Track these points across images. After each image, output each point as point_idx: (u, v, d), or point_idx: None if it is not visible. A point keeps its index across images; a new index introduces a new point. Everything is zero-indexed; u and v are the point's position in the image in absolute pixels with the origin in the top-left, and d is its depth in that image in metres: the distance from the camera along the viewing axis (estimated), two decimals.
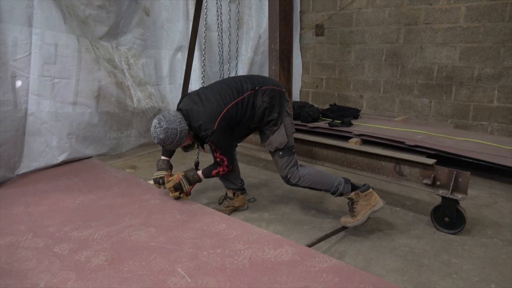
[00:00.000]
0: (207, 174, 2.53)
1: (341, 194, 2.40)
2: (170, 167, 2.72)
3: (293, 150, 2.49)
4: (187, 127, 2.34)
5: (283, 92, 2.51)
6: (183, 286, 1.67)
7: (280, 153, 2.44)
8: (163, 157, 2.72)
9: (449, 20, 4.48)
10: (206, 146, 2.55)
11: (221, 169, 2.47)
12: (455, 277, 2.00)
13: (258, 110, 2.39)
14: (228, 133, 2.38)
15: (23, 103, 3.17)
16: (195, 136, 2.48)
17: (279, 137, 2.43)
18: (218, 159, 2.43)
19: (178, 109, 2.45)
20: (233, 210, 2.76)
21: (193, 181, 2.55)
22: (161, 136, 2.28)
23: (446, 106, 4.71)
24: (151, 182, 3.01)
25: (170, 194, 2.59)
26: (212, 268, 1.81)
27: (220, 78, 3.15)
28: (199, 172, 2.55)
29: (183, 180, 2.52)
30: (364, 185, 2.41)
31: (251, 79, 2.47)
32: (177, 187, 2.53)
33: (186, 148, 3.21)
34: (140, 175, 3.48)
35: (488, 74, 4.33)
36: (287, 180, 2.48)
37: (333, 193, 2.43)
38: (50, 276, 1.75)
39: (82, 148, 3.56)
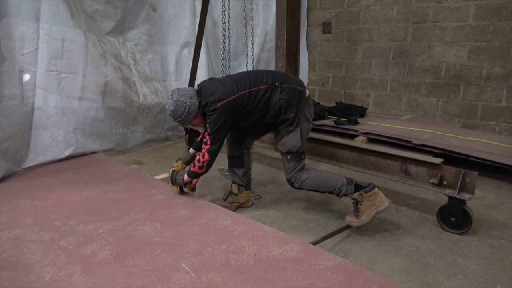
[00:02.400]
0: (189, 172, 2.46)
1: (344, 195, 2.38)
2: (190, 161, 2.65)
3: (303, 156, 2.46)
4: (197, 103, 2.32)
5: (304, 92, 2.44)
6: (188, 282, 1.67)
7: (289, 157, 2.42)
8: (190, 150, 2.70)
9: (458, 18, 4.43)
10: None
11: (201, 154, 2.38)
12: (460, 278, 1.98)
13: (274, 106, 2.35)
14: (228, 119, 2.32)
15: (30, 97, 3.18)
16: (203, 115, 2.41)
17: (294, 140, 2.39)
18: (204, 139, 2.38)
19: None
20: (238, 207, 2.75)
21: (176, 181, 2.54)
22: (171, 108, 2.31)
23: (453, 106, 4.67)
24: (157, 177, 3.02)
25: (175, 189, 2.60)
26: (217, 264, 1.81)
27: (225, 75, 3.14)
28: (186, 175, 2.49)
29: (175, 175, 2.55)
30: (369, 184, 2.37)
31: (273, 74, 2.46)
32: (172, 178, 2.58)
33: (191, 144, 3.11)
34: (145, 170, 3.49)
35: (496, 74, 4.28)
36: (291, 184, 2.48)
37: (336, 195, 2.41)
38: (55, 269, 1.76)
39: (88, 143, 3.57)
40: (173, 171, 2.58)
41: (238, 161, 2.73)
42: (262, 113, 2.38)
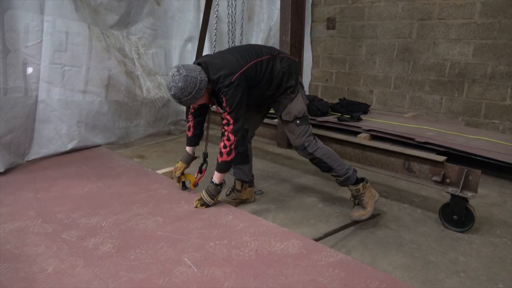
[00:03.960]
0: (219, 167, 2.31)
1: (347, 180, 2.42)
2: (190, 159, 2.57)
3: (309, 120, 2.48)
4: (206, 78, 2.17)
5: (297, 62, 2.54)
6: (190, 276, 1.68)
7: (298, 121, 2.41)
8: (187, 148, 2.56)
9: (463, 15, 4.40)
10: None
11: (225, 137, 2.21)
12: (462, 276, 1.98)
13: (277, 75, 2.34)
14: (244, 92, 2.20)
15: (33, 90, 3.19)
16: (212, 93, 2.27)
17: (298, 105, 2.40)
18: (224, 121, 2.21)
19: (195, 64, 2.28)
20: (240, 203, 2.76)
21: (213, 192, 2.35)
22: (180, 85, 2.08)
23: (457, 103, 4.65)
24: (159, 172, 3.02)
25: (178, 185, 2.60)
26: (219, 259, 1.81)
27: None
28: (215, 174, 2.33)
29: (204, 194, 2.37)
30: (363, 178, 2.48)
31: (266, 47, 2.48)
32: (203, 203, 2.37)
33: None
34: (148, 164, 3.50)
35: (501, 72, 4.26)
36: (303, 149, 2.42)
37: (340, 176, 2.42)
38: (58, 262, 1.77)
39: (91, 136, 3.58)
40: (204, 192, 2.37)
41: (243, 157, 2.72)
42: (267, 83, 2.34)
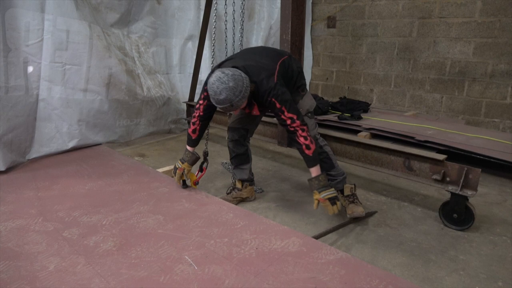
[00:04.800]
0: (308, 158, 2.17)
1: (343, 181, 2.57)
2: (195, 159, 2.52)
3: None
4: (248, 78, 2.09)
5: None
6: (190, 274, 1.69)
7: (309, 114, 2.50)
8: (188, 147, 2.51)
9: (464, 14, 4.40)
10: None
11: (299, 132, 2.12)
12: (462, 274, 1.99)
13: (294, 74, 2.39)
14: (286, 88, 2.18)
15: (34, 89, 3.19)
16: (252, 95, 2.18)
17: (308, 100, 2.50)
18: (288, 121, 2.12)
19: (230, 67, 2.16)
20: (241, 201, 2.76)
21: (326, 183, 2.19)
22: (231, 84, 1.98)
23: (457, 102, 4.65)
24: (160, 170, 3.03)
25: (178, 183, 2.61)
26: (219, 257, 1.82)
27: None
28: (312, 170, 2.19)
29: (328, 194, 2.16)
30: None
31: (275, 48, 2.59)
32: (330, 198, 2.15)
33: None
34: (148, 163, 3.50)
35: (502, 70, 4.26)
36: (316, 139, 2.48)
37: (339, 176, 2.55)
38: (59, 260, 1.78)
39: (92, 135, 3.58)
40: (327, 198, 2.15)
41: (244, 157, 2.73)
42: (288, 81, 2.34)
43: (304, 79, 2.51)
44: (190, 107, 4.27)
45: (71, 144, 3.43)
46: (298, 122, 2.13)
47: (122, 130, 3.90)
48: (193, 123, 2.46)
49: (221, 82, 2.00)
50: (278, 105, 2.12)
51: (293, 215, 2.60)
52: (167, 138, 4.44)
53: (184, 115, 4.48)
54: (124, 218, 2.20)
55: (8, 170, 2.92)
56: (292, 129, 2.15)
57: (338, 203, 2.17)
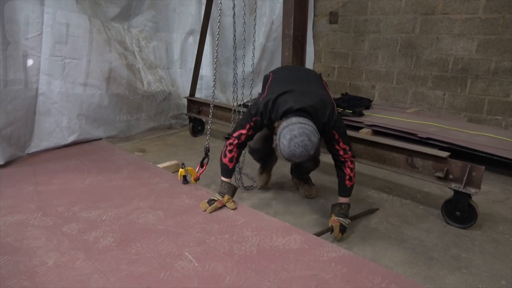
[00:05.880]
0: (344, 188, 2.24)
1: None
2: (233, 190, 2.35)
3: None
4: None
5: None
6: (191, 270, 1.67)
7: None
8: (224, 179, 2.34)
9: (467, 10, 4.36)
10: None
11: (348, 163, 2.18)
12: (464, 272, 1.97)
13: None
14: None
15: (34, 83, 3.17)
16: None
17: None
18: (341, 152, 2.15)
19: (296, 110, 2.01)
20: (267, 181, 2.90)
21: (347, 214, 2.24)
22: (312, 152, 1.90)
23: (460, 99, 4.63)
24: (160, 166, 3.00)
25: (179, 178, 2.58)
26: (220, 254, 1.80)
27: (233, 65, 3.07)
28: (342, 199, 2.26)
29: (342, 221, 2.20)
30: None
31: (306, 68, 2.70)
32: (342, 229, 2.19)
33: (195, 133, 3.13)
34: (148, 158, 3.48)
35: (505, 68, 4.23)
36: None
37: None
38: (58, 255, 1.76)
39: (91, 130, 3.56)
40: (338, 219, 2.20)
41: (271, 155, 2.80)
42: None
43: None
44: (191, 102, 4.24)
45: (70, 139, 3.40)
46: (350, 153, 2.19)
47: (122, 125, 3.88)
48: (230, 151, 2.26)
49: (305, 149, 1.87)
50: (336, 136, 2.14)
51: (294, 212, 2.58)
52: (168, 134, 4.41)
53: (185, 111, 4.45)
54: (124, 213, 2.18)
55: (7, 164, 2.90)
56: (343, 159, 2.19)
57: (345, 234, 2.22)
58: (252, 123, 2.20)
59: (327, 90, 2.28)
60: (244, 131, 2.23)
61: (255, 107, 2.18)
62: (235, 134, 2.25)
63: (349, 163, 2.20)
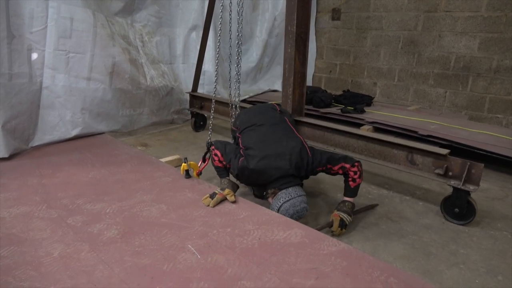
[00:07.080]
0: (348, 189, 2.35)
1: None
2: (232, 184, 2.45)
3: None
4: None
5: None
6: (193, 262, 1.70)
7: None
8: (223, 179, 2.47)
9: (470, 8, 4.37)
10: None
11: (351, 174, 2.30)
12: (462, 267, 2.00)
13: None
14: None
15: (38, 76, 3.19)
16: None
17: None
18: (340, 171, 2.32)
19: (280, 178, 2.25)
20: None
21: (350, 213, 2.30)
22: (303, 205, 2.21)
23: (461, 97, 4.64)
24: (163, 160, 3.02)
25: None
26: (222, 246, 1.83)
27: (234, 63, 3.05)
28: (350, 200, 2.35)
29: (343, 216, 2.28)
30: None
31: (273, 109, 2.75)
32: (342, 224, 2.26)
33: (197, 128, 3.15)
34: (151, 153, 3.51)
35: (507, 66, 4.24)
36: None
37: None
38: (63, 246, 1.80)
39: (95, 124, 3.59)
40: (341, 214, 2.29)
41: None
42: None
43: None
44: (193, 97, 4.27)
45: (74, 133, 3.43)
46: (349, 165, 2.28)
47: (125, 120, 3.91)
48: (220, 161, 2.44)
49: (302, 209, 2.21)
50: (324, 168, 2.33)
51: None
52: (170, 128, 4.44)
53: (187, 106, 4.47)
54: (128, 206, 2.21)
55: (11, 157, 2.93)
56: (346, 171, 2.30)
57: (344, 230, 2.27)
58: (243, 158, 2.34)
59: (294, 131, 2.49)
60: (233, 161, 2.37)
61: (234, 163, 2.34)
62: (226, 159, 2.41)
63: (352, 173, 2.29)
